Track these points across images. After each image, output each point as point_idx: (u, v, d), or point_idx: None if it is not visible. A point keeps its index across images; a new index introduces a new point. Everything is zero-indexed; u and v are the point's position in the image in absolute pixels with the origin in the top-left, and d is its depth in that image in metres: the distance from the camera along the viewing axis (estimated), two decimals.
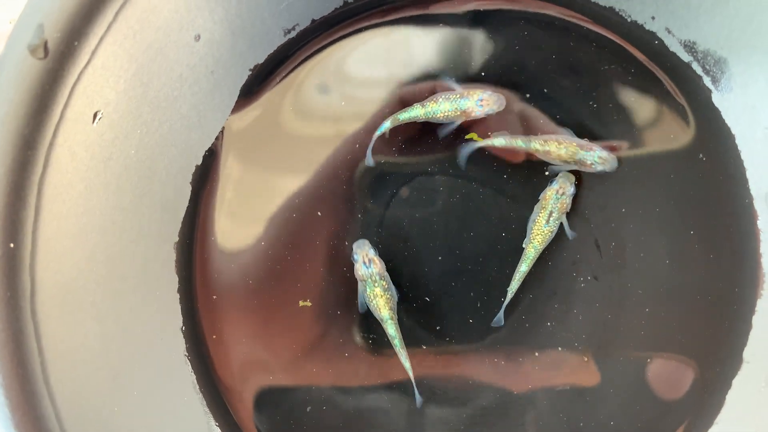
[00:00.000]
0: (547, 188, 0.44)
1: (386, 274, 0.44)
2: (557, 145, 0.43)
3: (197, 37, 0.41)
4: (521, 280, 0.44)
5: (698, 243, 0.44)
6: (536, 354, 0.45)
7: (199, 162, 0.45)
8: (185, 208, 0.45)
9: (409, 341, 0.45)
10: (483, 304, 0.45)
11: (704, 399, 0.44)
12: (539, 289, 0.45)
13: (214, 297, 0.45)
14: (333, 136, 0.45)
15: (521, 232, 0.45)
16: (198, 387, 0.44)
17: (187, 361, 0.44)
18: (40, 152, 0.36)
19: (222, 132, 0.46)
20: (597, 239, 0.45)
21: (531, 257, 0.44)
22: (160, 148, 0.42)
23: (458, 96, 0.43)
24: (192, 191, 0.45)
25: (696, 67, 0.44)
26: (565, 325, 0.45)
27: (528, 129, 0.45)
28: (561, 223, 0.44)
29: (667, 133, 0.45)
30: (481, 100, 0.43)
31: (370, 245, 0.44)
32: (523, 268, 0.44)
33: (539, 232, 0.44)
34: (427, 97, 0.44)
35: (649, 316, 0.44)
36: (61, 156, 0.36)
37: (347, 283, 0.46)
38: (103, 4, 0.36)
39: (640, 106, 0.45)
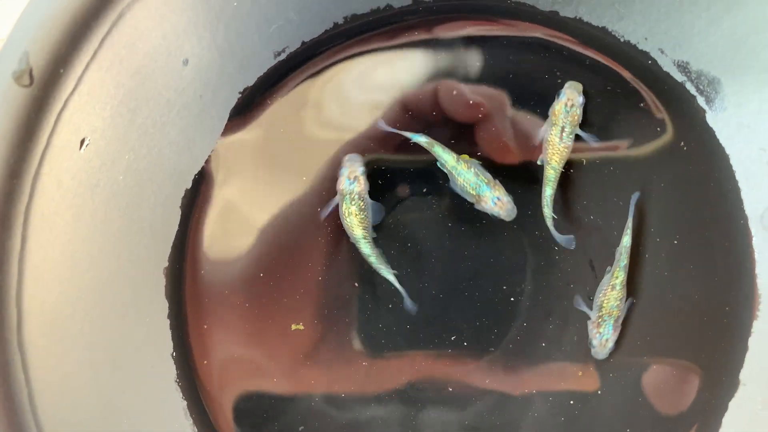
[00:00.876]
0: (555, 102, 0.43)
1: (367, 197, 0.44)
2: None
3: (185, 62, 0.41)
4: (551, 204, 0.43)
5: (693, 264, 0.44)
6: (531, 373, 0.45)
7: (189, 186, 0.45)
8: (175, 233, 0.44)
9: (404, 357, 0.45)
10: (477, 326, 0.45)
11: (700, 422, 0.43)
12: (534, 309, 0.45)
13: (205, 326, 0.45)
14: (325, 159, 0.45)
15: (516, 250, 0.45)
16: (189, 413, 0.44)
17: (178, 387, 0.44)
18: (26, 181, 0.35)
19: (212, 155, 0.45)
20: (592, 259, 0.45)
21: (553, 179, 0.43)
22: (148, 173, 0.41)
23: (486, 180, 0.43)
24: (182, 215, 0.45)
25: (690, 87, 0.44)
26: (560, 345, 0.45)
27: (519, 146, 0.45)
28: (579, 136, 0.43)
29: (660, 154, 0.44)
30: (498, 200, 0.43)
31: (361, 163, 0.44)
32: (548, 191, 0.43)
33: (555, 151, 0.43)
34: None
35: (644, 336, 0.44)
36: (47, 184, 0.36)
37: (341, 307, 0.45)
38: (89, 30, 0.36)
39: (633, 126, 0.45)
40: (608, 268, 0.44)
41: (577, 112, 0.43)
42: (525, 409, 0.45)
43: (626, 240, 0.43)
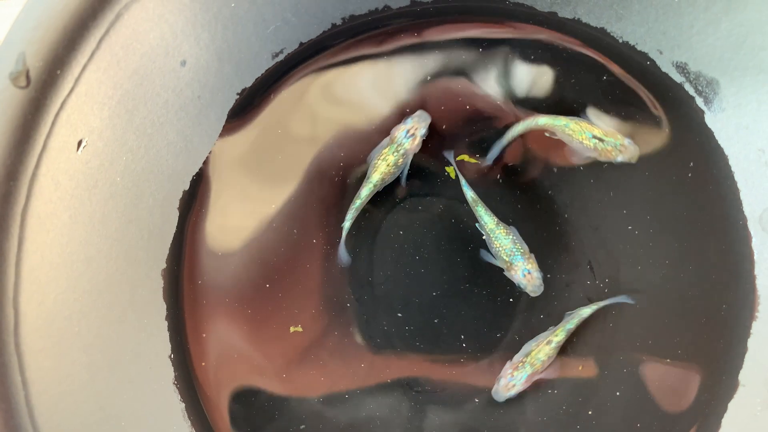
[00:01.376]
0: (623, 144, 0.43)
1: (410, 158, 0.43)
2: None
3: (183, 63, 0.40)
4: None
5: (692, 265, 0.44)
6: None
7: (187, 187, 0.45)
8: (173, 235, 0.44)
9: (403, 359, 0.45)
10: (475, 327, 0.45)
11: (699, 423, 0.43)
12: (532, 310, 0.45)
13: (203, 328, 0.45)
14: (323, 160, 0.45)
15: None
16: (187, 415, 0.44)
17: (176, 389, 0.44)
18: (23, 182, 0.35)
19: (209, 157, 0.45)
20: (590, 261, 0.45)
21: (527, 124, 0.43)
22: (146, 174, 0.41)
23: (522, 251, 0.43)
24: (179, 217, 0.44)
25: (688, 88, 0.44)
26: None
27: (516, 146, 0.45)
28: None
29: (659, 155, 0.44)
30: (528, 273, 0.44)
31: (427, 125, 0.43)
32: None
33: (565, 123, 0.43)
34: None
35: (644, 337, 0.44)
36: (44, 186, 0.36)
37: (340, 309, 0.45)
38: (87, 31, 0.35)
39: (632, 127, 0.45)
40: (552, 327, 0.44)
41: (611, 150, 0.43)
42: (524, 409, 0.45)
43: (587, 312, 0.43)
